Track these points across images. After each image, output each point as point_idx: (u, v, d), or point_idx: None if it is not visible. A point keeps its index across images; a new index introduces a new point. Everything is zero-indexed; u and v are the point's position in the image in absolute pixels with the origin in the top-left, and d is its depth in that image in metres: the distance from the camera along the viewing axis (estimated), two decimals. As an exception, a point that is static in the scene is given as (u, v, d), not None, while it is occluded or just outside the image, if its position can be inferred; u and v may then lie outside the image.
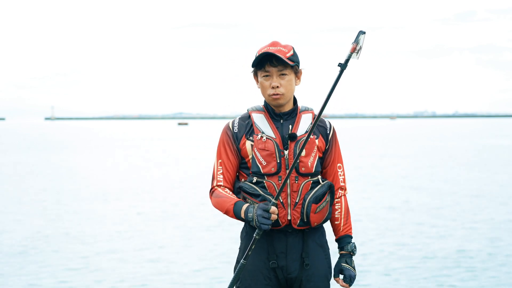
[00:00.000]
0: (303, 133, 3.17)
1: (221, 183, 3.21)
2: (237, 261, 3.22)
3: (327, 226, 3.36)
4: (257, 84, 3.25)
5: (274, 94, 3.15)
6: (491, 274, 7.80)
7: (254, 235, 3.03)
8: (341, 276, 3.26)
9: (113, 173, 22.23)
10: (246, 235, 3.22)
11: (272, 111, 3.21)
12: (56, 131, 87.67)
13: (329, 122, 3.29)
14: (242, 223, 3.37)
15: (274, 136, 3.16)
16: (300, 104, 3.28)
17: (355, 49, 2.95)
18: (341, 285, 3.24)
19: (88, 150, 37.39)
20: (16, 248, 9.38)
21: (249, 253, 3.06)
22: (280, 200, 3.11)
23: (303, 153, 3.14)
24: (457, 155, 30.83)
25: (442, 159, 27.99)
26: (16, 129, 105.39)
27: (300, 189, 3.13)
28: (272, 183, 3.12)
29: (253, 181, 3.14)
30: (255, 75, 3.24)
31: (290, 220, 3.13)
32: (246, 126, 3.21)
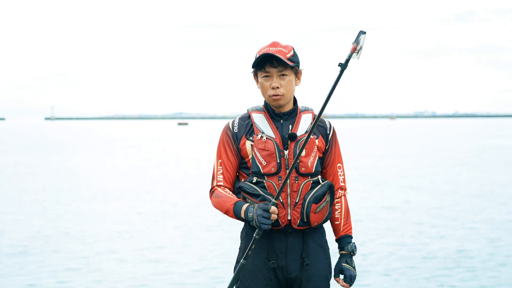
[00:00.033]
0: (303, 133, 3.17)
1: (221, 183, 3.21)
2: (237, 261, 3.22)
3: (327, 226, 3.36)
4: (257, 84, 3.25)
5: (274, 95, 3.15)
6: (491, 274, 7.80)
7: (254, 235, 3.03)
8: (341, 276, 3.26)
9: (113, 173, 22.24)
10: (246, 235, 3.23)
11: (272, 111, 3.21)
12: (56, 131, 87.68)
13: (329, 122, 3.29)
14: (242, 223, 3.37)
15: (274, 136, 3.16)
16: (300, 104, 3.28)
17: (356, 49, 2.95)
18: (341, 285, 3.24)
19: (88, 150, 37.39)
20: (16, 248, 9.38)
21: (249, 253, 3.06)
22: (280, 200, 3.11)
23: (303, 153, 3.14)
24: (457, 155, 30.83)
25: (442, 159, 27.99)
26: (16, 129, 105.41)
27: (300, 189, 3.13)
28: (272, 183, 3.12)
29: (253, 181, 3.15)
30: (255, 75, 3.24)
31: (290, 220, 3.13)
32: (246, 126, 3.21)
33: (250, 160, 3.18)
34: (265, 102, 3.25)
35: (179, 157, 30.45)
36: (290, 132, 3.16)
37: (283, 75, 3.15)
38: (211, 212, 12.41)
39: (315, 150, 3.18)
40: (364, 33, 2.97)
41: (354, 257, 3.31)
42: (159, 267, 8.31)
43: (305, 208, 3.12)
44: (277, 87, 3.14)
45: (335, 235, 3.32)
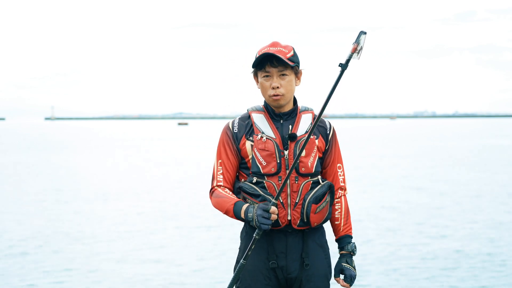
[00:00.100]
0: (303, 133, 3.17)
1: (221, 183, 3.21)
2: (237, 261, 3.22)
3: (327, 226, 3.35)
4: (257, 84, 3.25)
5: (274, 95, 3.15)
6: (491, 274, 7.80)
7: (254, 235, 3.03)
8: (341, 276, 3.26)
9: (113, 173, 22.23)
10: (246, 235, 3.22)
11: (272, 111, 3.21)
12: (56, 131, 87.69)
13: (329, 122, 3.29)
14: (242, 223, 3.37)
15: (274, 136, 3.15)
16: (300, 104, 3.28)
17: (356, 49, 2.95)
18: (341, 285, 3.23)
19: (88, 150, 37.39)
20: (16, 248, 9.38)
21: (249, 253, 3.06)
22: (280, 200, 3.11)
23: (303, 154, 3.14)
24: (457, 155, 30.83)
25: (442, 159, 28.00)
26: (16, 129, 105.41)
27: (300, 189, 3.13)
28: (272, 183, 3.12)
29: (253, 181, 3.14)
30: (255, 75, 3.24)
31: (290, 220, 3.13)
32: (246, 126, 3.21)
33: (250, 160, 3.17)
34: (265, 102, 3.25)
35: (179, 157, 30.45)
36: (290, 132, 3.16)
37: (283, 75, 3.15)
38: (211, 212, 12.41)
39: (315, 150, 3.18)
40: (365, 33, 2.97)
41: (354, 257, 3.31)
42: (159, 267, 8.31)
43: (305, 208, 3.12)
44: (277, 87, 3.14)
45: (335, 235, 3.32)
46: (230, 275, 7.34)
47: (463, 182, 18.10)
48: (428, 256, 8.79)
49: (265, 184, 3.13)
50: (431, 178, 19.31)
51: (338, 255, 3.30)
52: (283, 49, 3.13)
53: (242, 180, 3.22)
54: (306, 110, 3.26)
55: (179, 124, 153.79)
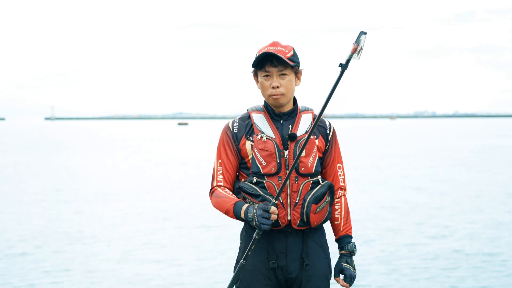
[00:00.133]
0: (303, 133, 3.17)
1: (221, 183, 3.21)
2: (237, 261, 3.22)
3: (327, 226, 3.35)
4: (257, 84, 3.25)
5: (274, 94, 3.15)
6: (491, 274, 7.80)
7: (254, 235, 3.03)
8: (341, 276, 3.26)
9: (113, 173, 22.23)
10: (246, 235, 3.22)
11: (272, 111, 3.21)
12: (56, 131, 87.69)
13: (329, 122, 3.29)
14: (242, 223, 3.37)
15: (274, 136, 3.15)
16: (300, 104, 3.28)
17: (356, 50, 2.95)
18: (341, 285, 3.23)
19: (88, 150, 37.39)
20: (16, 248, 9.38)
21: (249, 253, 3.06)
22: (280, 201, 3.11)
23: (303, 154, 3.14)
24: (457, 155, 30.83)
25: (442, 159, 27.99)
26: (16, 129, 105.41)
27: (300, 190, 3.13)
28: (272, 184, 3.12)
29: (253, 181, 3.14)
30: (255, 75, 3.24)
31: (290, 220, 3.13)
32: (246, 126, 3.21)
33: (250, 160, 3.17)
34: (265, 102, 3.25)
35: (179, 157, 30.45)
36: (290, 132, 3.16)
37: (283, 74, 3.14)
38: (211, 212, 12.41)
39: (315, 150, 3.18)
40: (365, 33, 2.97)
41: (354, 257, 3.30)
42: (159, 267, 8.31)
43: (305, 208, 3.11)
44: (277, 87, 3.14)
45: (335, 235, 3.32)
46: (230, 275, 7.34)
47: (463, 182, 18.10)
48: (428, 256, 8.79)
49: (265, 184, 3.13)
50: (431, 178, 19.31)
51: (338, 255, 3.30)
52: (283, 49, 3.13)
53: (242, 180, 3.22)
54: (306, 110, 3.26)
55: (179, 124, 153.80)
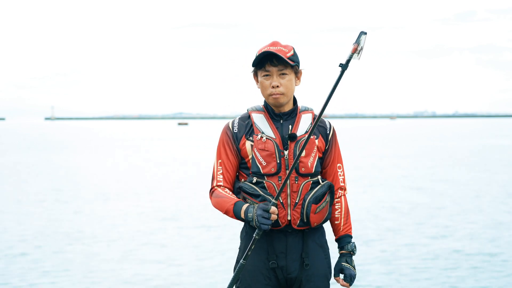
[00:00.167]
0: (303, 133, 3.17)
1: (221, 183, 3.21)
2: (237, 261, 3.22)
3: (327, 226, 3.35)
4: (257, 84, 3.25)
5: (274, 94, 3.15)
6: (491, 275, 7.80)
7: (254, 235, 3.03)
8: (341, 276, 3.26)
9: (113, 173, 22.23)
10: (246, 235, 3.22)
11: (272, 111, 3.21)
12: (56, 131, 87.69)
13: (329, 123, 3.29)
14: (242, 223, 3.36)
15: (274, 136, 3.15)
16: (300, 104, 3.27)
17: (356, 50, 2.95)
18: (341, 285, 3.23)
19: (88, 150, 37.39)
20: (16, 248, 9.38)
21: (249, 253, 3.06)
22: (280, 201, 3.11)
23: (303, 154, 3.14)
24: (457, 155, 30.83)
25: (442, 159, 27.99)
26: (16, 129, 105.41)
27: (300, 190, 3.12)
28: (272, 184, 3.11)
29: (253, 182, 3.14)
30: (255, 75, 3.24)
31: (290, 220, 3.13)
32: (246, 126, 3.21)
33: (250, 160, 3.17)
34: (265, 102, 3.25)
35: (179, 157, 30.45)
36: (290, 132, 3.16)
37: (283, 74, 3.14)
38: (211, 212, 12.41)
39: (315, 151, 3.18)
40: (365, 33, 2.97)
41: (354, 257, 3.30)
42: (159, 267, 8.31)
43: (305, 208, 3.11)
44: (277, 86, 3.14)
45: (335, 235, 3.32)
46: (230, 275, 7.34)
47: (463, 182, 18.10)
48: (428, 256, 8.79)
49: (265, 184, 3.12)
50: (431, 178, 19.31)
51: (338, 255, 3.29)
52: (283, 49, 3.13)
53: (242, 180, 3.22)
54: (306, 110, 3.26)
55: (179, 124, 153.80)
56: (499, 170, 21.95)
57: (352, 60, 2.97)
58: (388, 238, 10.01)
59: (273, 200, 3.02)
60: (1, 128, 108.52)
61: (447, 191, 16.09)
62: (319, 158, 3.23)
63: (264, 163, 3.12)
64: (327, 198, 3.18)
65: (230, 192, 3.18)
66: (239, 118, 3.25)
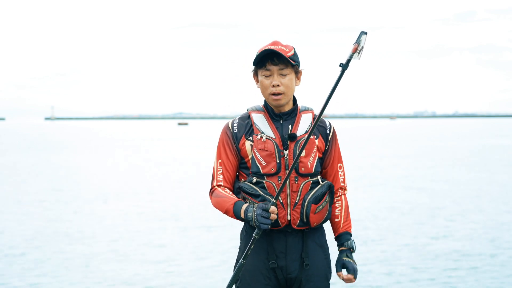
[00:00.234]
0: (303, 133, 3.17)
1: (221, 183, 3.21)
2: (237, 261, 3.21)
3: (327, 226, 3.35)
4: (256, 84, 3.25)
5: (274, 94, 3.14)
6: (492, 275, 7.79)
7: (253, 234, 3.03)
8: (343, 271, 3.25)
9: (113, 173, 22.23)
10: (246, 234, 3.22)
11: (271, 111, 3.21)
12: (56, 131, 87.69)
13: (329, 123, 3.29)
14: (242, 223, 3.36)
15: (273, 136, 3.15)
16: (300, 104, 3.27)
17: (357, 50, 2.95)
18: (346, 279, 3.18)
19: (88, 150, 37.39)
20: (16, 248, 9.38)
21: (248, 252, 3.06)
22: (279, 201, 3.11)
23: (303, 154, 3.14)
24: (457, 155, 30.83)
25: (442, 159, 27.99)
26: (16, 129, 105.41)
27: (299, 190, 3.12)
28: (272, 184, 3.11)
29: (253, 181, 3.14)
30: (255, 74, 3.23)
31: (289, 220, 3.13)
32: (246, 126, 3.21)
33: (250, 160, 3.17)
34: (265, 102, 3.24)
35: (179, 157, 30.45)
36: (290, 132, 3.16)
37: (283, 74, 3.14)
38: (211, 212, 12.41)
39: (314, 151, 3.17)
40: (365, 33, 2.97)
41: (353, 255, 3.29)
42: (159, 267, 8.30)
43: (304, 208, 3.11)
44: (278, 85, 3.14)
45: (335, 232, 3.30)
46: (230, 275, 7.33)
47: (463, 182, 18.10)
48: (429, 256, 8.78)
49: (264, 184, 3.12)
50: (431, 178, 19.31)
51: (338, 252, 3.27)
52: (284, 48, 3.13)
53: (242, 180, 3.22)
54: (306, 110, 3.25)
55: (179, 124, 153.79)
56: (499, 170, 21.95)
57: (352, 60, 2.97)
58: (388, 238, 10.01)
59: (273, 200, 3.01)
60: (1, 128, 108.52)
61: (447, 191, 16.09)
62: (319, 158, 3.23)
63: (264, 163, 3.12)
64: (327, 198, 3.18)
65: (230, 192, 3.18)
66: (239, 118, 3.25)
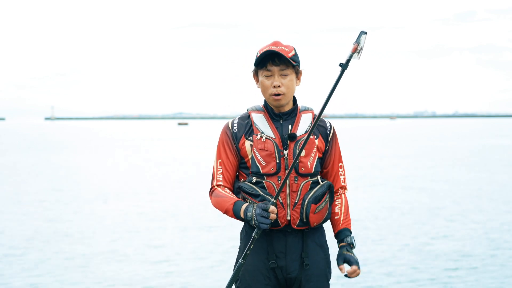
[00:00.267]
0: (303, 133, 3.17)
1: (221, 183, 3.21)
2: (237, 261, 3.21)
3: (327, 226, 3.35)
4: (257, 84, 3.25)
5: (275, 94, 3.14)
6: (492, 275, 7.79)
7: (253, 234, 3.02)
8: (345, 265, 3.23)
9: (113, 173, 22.23)
10: (245, 234, 3.22)
11: (271, 111, 3.21)
12: (56, 131, 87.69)
13: (329, 123, 3.29)
14: (242, 223, 3.36)
15: (273, 136, 3.15)
16: (299, 104, 3.27)
17: (357, 49, 2.95)
18: (350, 271, 3.13)
19: (88, 150, 37.39)
20: (16, 248, 9.38)
21: (248, 252, 3.05)
22: (279, 200, 3.11)
23: (303, 153, 3.13)
24: (457, 155, 30.83)
25: (442, 159, 27.99)
26: (16, 129, 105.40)
27: (299, 189, 3.12)
28: (272, 183, 3.11)
29: (253, 181, 3.14)
30: (256, 74, 3.23)
31: (289, 220, 3.13)
32: (246, 126, 3.21)
33: (250, 160, 3.17)
34: (265, 101, 3.24)
35: (179, 157, 30.45)
36: (289, 132, 3.16)
37: (284, 74, 3.14)
38: (211, 212, 12.41)
39: (314, 150, 3.17)
40: (365, 33, 2.97)
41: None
42: (159, 267, 8.31)
43: (304, 208, 3.11)
44: (278, 86, 3.13)
45: (334, 229, 3.28)
46: (230, 275, 7.33)
47: (463, 182, 18.10)
48: (429, 256, 8.78)
49: (264, 184, 3.12)
50: (431, 178, 19.31)
51: (338, 249, 3.25)
52: (285, 48, 3.13)
53: (242, 180, 3.22)
54: (306, 110, 3.25)
55: (179, 124, 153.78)
56: (499, 170, 21.95)
57: (352, 60, 2.97)
58: (388, 238, 10.01)
59: (272, 200, 3.01)
60: (1, 128, 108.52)
61: (447, 191, 16.09)
62: (319, 158, 3.23)
63: (263, 163, 3.12)
64: (327, 198, 3.18)
65: (230, 192, 3.18)
66: (239, 118, 3.25)
